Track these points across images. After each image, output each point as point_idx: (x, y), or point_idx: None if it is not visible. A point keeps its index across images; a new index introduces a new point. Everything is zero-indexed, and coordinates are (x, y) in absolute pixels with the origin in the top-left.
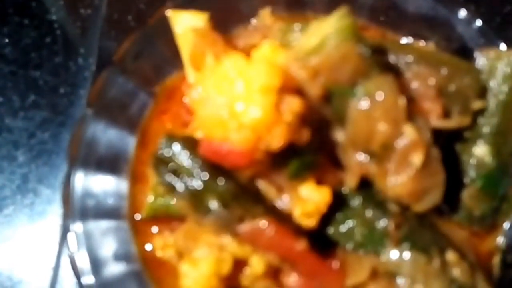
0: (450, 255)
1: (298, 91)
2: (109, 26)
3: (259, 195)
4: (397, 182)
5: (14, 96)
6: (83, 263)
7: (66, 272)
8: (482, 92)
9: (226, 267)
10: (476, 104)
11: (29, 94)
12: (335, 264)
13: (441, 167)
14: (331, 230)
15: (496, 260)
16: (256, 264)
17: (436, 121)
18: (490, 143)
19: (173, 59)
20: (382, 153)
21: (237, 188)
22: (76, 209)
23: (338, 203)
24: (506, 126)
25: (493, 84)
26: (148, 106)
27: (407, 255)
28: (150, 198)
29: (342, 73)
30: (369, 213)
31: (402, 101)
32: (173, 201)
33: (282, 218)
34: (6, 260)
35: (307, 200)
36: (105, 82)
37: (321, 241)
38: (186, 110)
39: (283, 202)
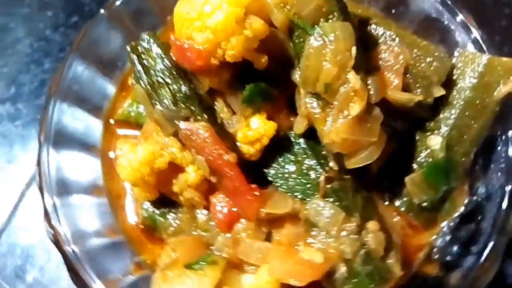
0: (371, 224)
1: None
2: None
3: (211, 109)
4: (333, 127)
5: (61, 13)
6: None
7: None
8: (448, 83)
9: (161, 163)
10: (438, 91)
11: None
12: (257, 190)
13: (381, 132)
14: (270, 171)
15: (421, 255)
16: (191, 173)
17: (392, 92)
18: (445, 136)
19: (160, 12)
20: (326, 96)
21: (192, 93)
22: (51, 134)
23: (284, 146)
24: (464, 125)
25: (461, 80)
26: None
27: (329, 208)
28: (127, 102)
29: (307, 8)
30: (309, 162)
31: (353, 50)
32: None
33: (224, 135)
34: None
35: (253, 128)
36: (92, 28)
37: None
38: None
39: (231, 124)
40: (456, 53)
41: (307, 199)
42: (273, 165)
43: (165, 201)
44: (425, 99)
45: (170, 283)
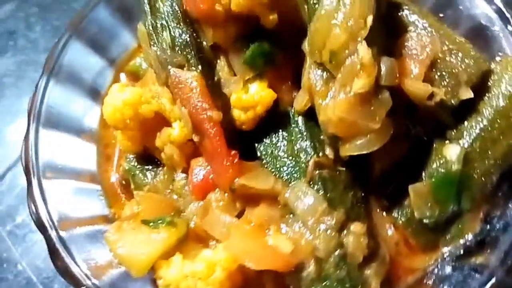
0: (356, 225)
1: None
2: None
3: (210, 65)
4: (331, 102)
5: None
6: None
7: None
8: (481, 90)
9: (146, 109)
10: (465, 92)
11: None
12: (236, 157)
13: (387, 122)
14: (261, 146)
15: (410, 279)
16: (176, 129)
17: (410, 81)
18: (465, 147)
19: None
20: (330, 66)
21: (192, 42)
22: (58, 68)
23: (281, 122)
24: (490, 139)
25: (496, 87)
26: None
27: (311, 196)
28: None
29: None
30: (303, 143)
31: (369, 19)
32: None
33: (218, 94)
34: None
35: (249, 93)
36: None
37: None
38: None
39: (228, 85)
40: (497, 58)
41: (291, 182)
42: (265, 140)
43: (149, 159)
44: (448, 99)
45: (122, 234)
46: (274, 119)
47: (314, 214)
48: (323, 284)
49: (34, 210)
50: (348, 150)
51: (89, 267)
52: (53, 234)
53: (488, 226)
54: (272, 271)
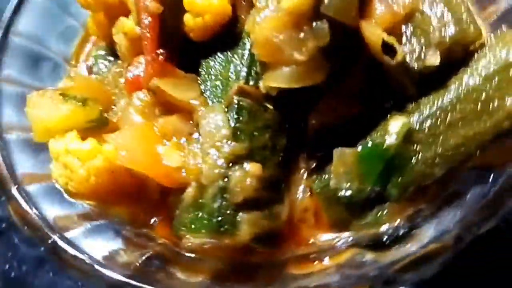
0: (253, 165)
1: None
2: None
3: None
4: (261, 17)
5: None
6: None
7: None
8: (460, 60)
9: None
10: (432, 57)
11: None
12: (160, 56)
13: (322, 59)
14: (203, 63)
15: (300, 251)
16: (131, 20)
17: (366, 24)
18: (412, 122)
19: None
20: None
21: None
22: None
23: (232, 42)
24: (446, 122)
25: (476, 63)
26: None
27: (217, 120)
28: None
29: None
30: (239, 67)
31: None
32: None
33: None
34: None
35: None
36: None
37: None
38: None
39: None
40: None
41: (212, 103)
42: (210, 57)
43: (115, 52)
44: (411, 62)
45: (38, 99)
46: (228, 38)
47: (212, 137)
48: (195, 212)
49: None
50: (270, 79)
51: None
52: None
53: (410, 224)
54: (161, 188)
